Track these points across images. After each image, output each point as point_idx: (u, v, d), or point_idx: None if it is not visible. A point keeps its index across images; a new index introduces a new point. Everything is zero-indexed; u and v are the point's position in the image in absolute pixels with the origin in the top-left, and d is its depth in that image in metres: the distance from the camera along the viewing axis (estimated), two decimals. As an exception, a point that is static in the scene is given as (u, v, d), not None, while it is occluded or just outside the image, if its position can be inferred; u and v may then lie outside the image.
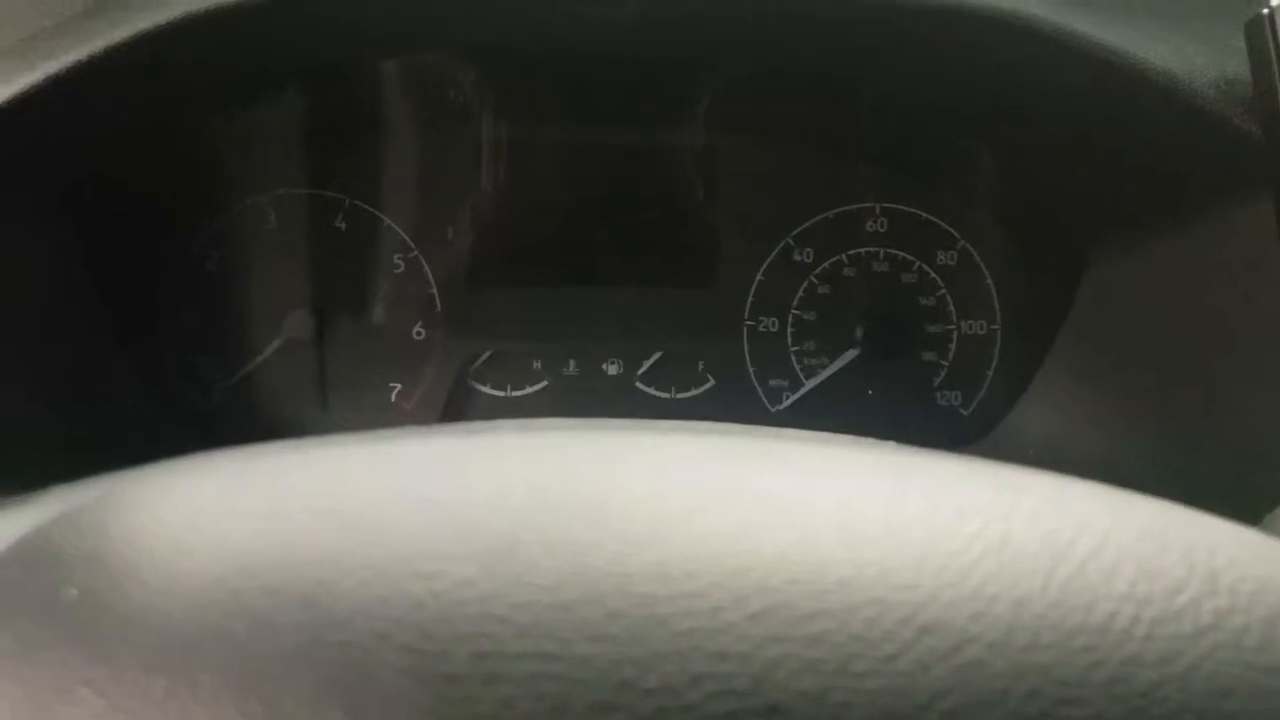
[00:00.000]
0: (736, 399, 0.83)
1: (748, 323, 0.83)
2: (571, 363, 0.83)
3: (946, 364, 0.83)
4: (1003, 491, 0.27)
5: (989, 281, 0.82)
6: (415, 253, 0.82)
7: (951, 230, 0.82)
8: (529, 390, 0.83)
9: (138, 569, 0.25)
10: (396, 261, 0.82)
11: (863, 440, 0.35)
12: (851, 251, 0.82)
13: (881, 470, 0.28)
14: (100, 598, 0.24)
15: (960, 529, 0.25)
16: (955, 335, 0.82)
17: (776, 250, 0.82)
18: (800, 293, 0.82)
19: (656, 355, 0.83)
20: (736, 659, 0.22)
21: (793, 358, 0.83)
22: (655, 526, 0.25)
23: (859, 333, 0.82)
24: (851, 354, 0.82)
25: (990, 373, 0.82)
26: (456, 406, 0.82)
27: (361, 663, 0.22)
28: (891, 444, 0.35)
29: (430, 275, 0.82)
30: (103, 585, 0.24)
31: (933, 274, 0.82)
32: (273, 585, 0.24)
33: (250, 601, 0.23)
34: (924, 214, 0.82)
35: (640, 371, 0.83)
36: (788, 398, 0.83)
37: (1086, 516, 0.26)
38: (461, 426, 0.35)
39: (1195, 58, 0.58)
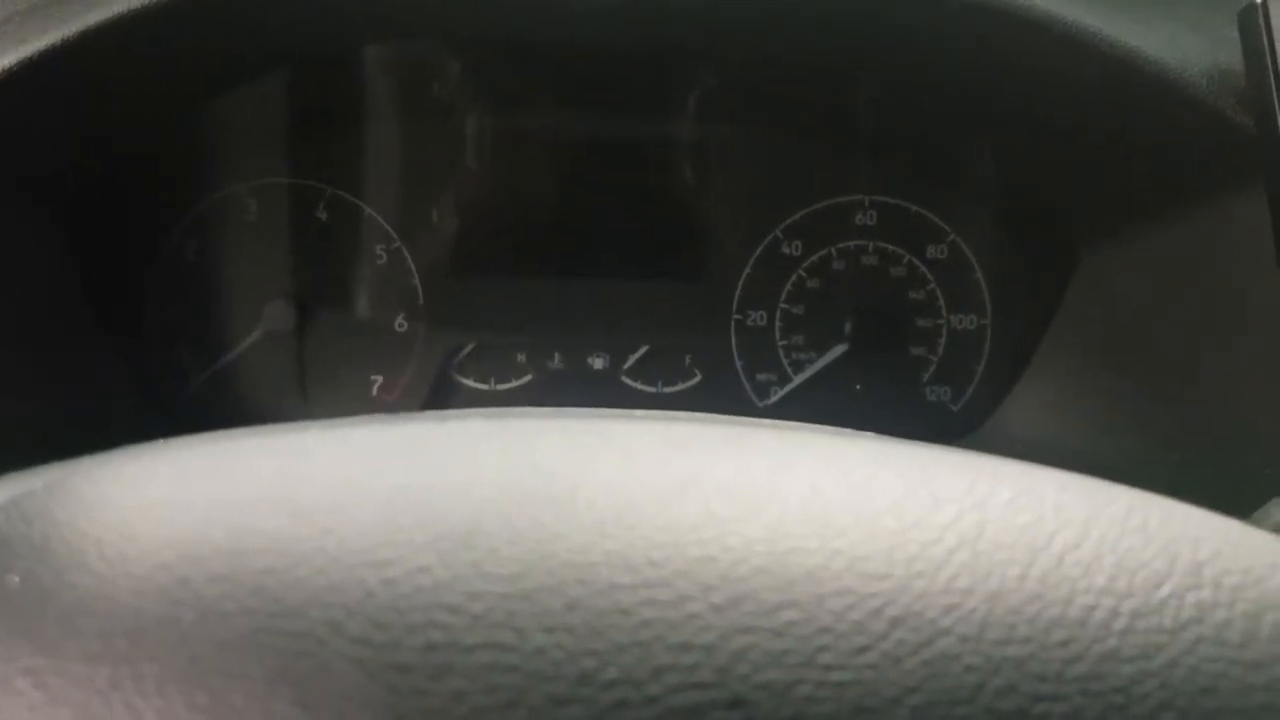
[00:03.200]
0: (724, 394, 0.82)
1: (735, 316, 0.82)
2: (556, 356, 0.82)
3: (936, 359, 0.82)
4: (978, 481, 0.27)
5: (979, 275, 0.81)
6: (398, 243, 0.81)
7: (941, 223, 0.81)
8: (513, 384, 0.82)
9: (83, 555, 0.24)
10: (379, 252, 0.81)
11: (838, 429, 0.34)
12: (841, 245, 0.81)
13: (853, 458, 0.28)
14: (43, 585, 0.23)
15: (933, 519, 0.25)
16: (945, 330, 0.82)
17: (765, 243, 0.82)
18: (789, 286, 0.82)
19: (643, 349, 0.82)
20: (700, 650, 0.21)
21: (781, 352, 0.82)
22: (619, 515, 0.24)
23: (848, 327, 0.81)
24: (840, 349, 0.81)
25: (980, 368, 0.82)
26: (439, 399, 0.82)
27: (313, 653, 0.21)
28: (868, 434, 0.34)
29: (413, 266, 0.81)
30: (46, 572, 0.24)
31: (922, 268, 0.81)
32: (221, 572, 0.23)
33: (198, 589, 0.23)
34: (914, 207, 0.81)
35: (626, 365, 0.82)
36: (775, 392, 0.82)
37: (1065, 507, 0.26)
38: (424, 415, 0.34)
39: (1188, 47, 0.57)
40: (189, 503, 0.25)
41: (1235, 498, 0.49)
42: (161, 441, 0.31)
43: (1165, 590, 0.24)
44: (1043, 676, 0.22)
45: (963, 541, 0.24)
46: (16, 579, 0.24)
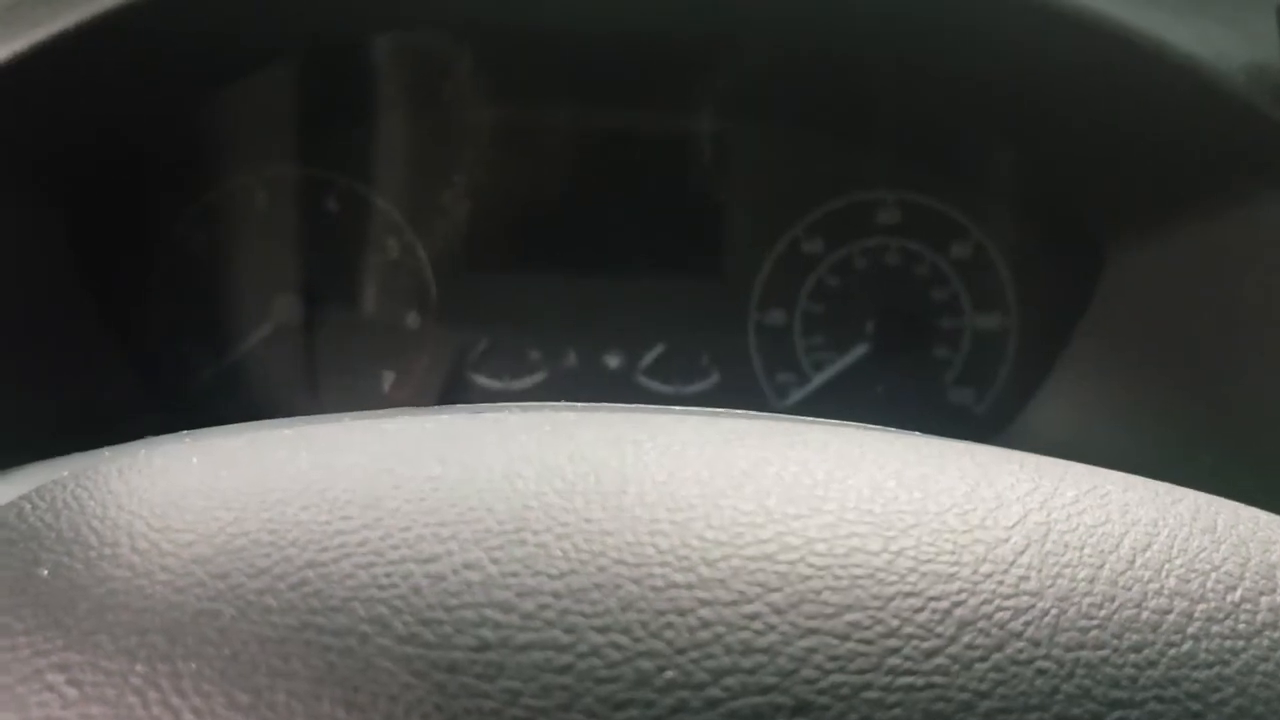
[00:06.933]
0: (742, 394, 0.81)
1: (754, 315, 0.81)
2: (571, 354, 0.81)
3: (959, 360, 0.81)
4: (1041, 481, 0.26)
5: (1003, 274, 0.80)
6: (410, 237, 0.80)
7: (966, 221, 0.80)
8: (527, 382, 0.81)
9: (116, 548, 0.23)
10: (390, 245, 0.80)
11: (889, 429, 0.34)
12: (863, 243, 0.80)
13: (911, 456, 0.27)
14: (74, 578, 0.22)
15: (999, 519, 0.24)
16: (968, 330, 0.81)
17: (785, 240, 0.81)
18: (809, 285, 0.81)
19: (659, 348, 0.81)
20: (762, 652, 0.21)
21: (800, 352, 0.81)
22: (674, 511, 0.23)
23: (869, 327, 0.80)
24: (861, 349, 0.80)
25: (1004, 369, 0.81)
26: (452, 397, 0.81)
27: (358, 652, 0.21)
28: (916, 434, 0.33)
29: (426, 260, 0.80)
30: (77, 565, 0.23)
31: (946, 267, 0.80)
32: (262, 566, 0.22)
33: (237, 583, 0.22)
34: (938, 204, 0.80)
35: (642, 364, 0.81)
36: (795, 393, 0.81)
37: (1132, 508, 0.25)
38: (466, 408, 0.33)
39: (1222, 42, 0.57)
40: (223, 494, 0.24)
41: (1269, 500, 0.48)
42: (190, 432, 0.30)
43: (1238, 594, 0.23)
44: (1116, 681, 0.21)
45: (1030, 542, 0.23)
46: (45, 572, 0.23)
